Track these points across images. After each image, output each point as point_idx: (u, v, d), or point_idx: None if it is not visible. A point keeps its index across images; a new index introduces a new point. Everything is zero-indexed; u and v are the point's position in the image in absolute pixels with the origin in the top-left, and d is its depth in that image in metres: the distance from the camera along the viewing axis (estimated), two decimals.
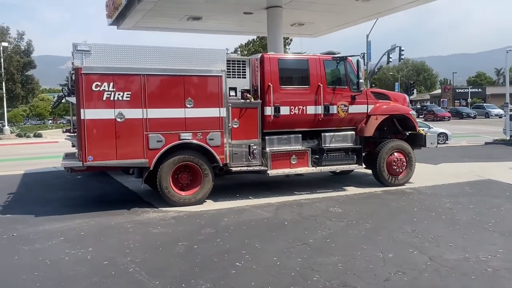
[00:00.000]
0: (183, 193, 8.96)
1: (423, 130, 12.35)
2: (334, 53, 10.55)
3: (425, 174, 11.92)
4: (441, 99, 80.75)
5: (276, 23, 14.01)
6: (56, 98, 9.31)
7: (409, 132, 11.38)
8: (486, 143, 22.22)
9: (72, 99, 8.28)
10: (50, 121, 69.87)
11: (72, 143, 14.26)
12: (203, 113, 8.94)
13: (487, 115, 54.23)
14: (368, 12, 15.09)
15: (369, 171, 11.12)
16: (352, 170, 11.81)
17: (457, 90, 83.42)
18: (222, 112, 9.08)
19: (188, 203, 8.89)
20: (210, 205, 8.92)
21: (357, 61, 10.12)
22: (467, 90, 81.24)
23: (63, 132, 10.37)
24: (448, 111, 56.19)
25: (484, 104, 61.42)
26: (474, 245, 6.15)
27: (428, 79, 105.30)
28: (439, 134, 23.31)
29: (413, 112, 11.28)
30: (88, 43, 8.21)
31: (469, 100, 74.51)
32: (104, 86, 8.20)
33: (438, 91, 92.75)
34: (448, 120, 50.12)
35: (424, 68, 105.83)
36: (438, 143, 22.55)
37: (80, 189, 11.22)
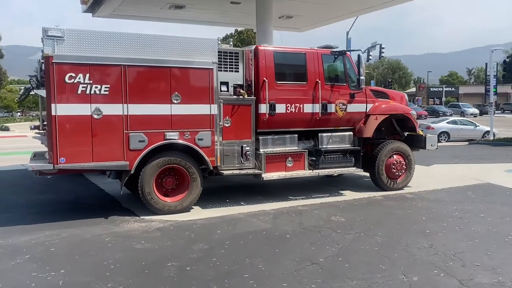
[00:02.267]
0: (168, 199, 8.01)
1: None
2: (332, 47, 9.76)
3: (420, 177, 11.26)
4: (416, 98, 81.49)
5: (266, 14, 13.12)
6: (22, 90, 8.19)
7: (408, 133, 10.73)
8: (470, 143, 22.03)
9: (42, 92, 7.21)
10: (19, 114, 67.02)
11: (41, 142, 13.10)
12: (192, 110, 8.00)
13: (462, 114, 54.71)
14: (360, 6, 14.39)
15: (363, 173, 10.40)
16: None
17: (431, 89, 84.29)
18: (213, 109, 8.16)
19: (173, 211, 7.95)
20: (198, 213, 8.01)
21: (358, 56, 9.34)
22: (441, 89, 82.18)
23: (31, 129, 9.23)
24: (425, 110, 56.53)
25: (460, 103, 62.15)
26: (503, 265, 5.47)
27: (403, 77, 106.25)
28: (440, 134, 23.15)
29: (413, 112, 10.61)
30: (60, 28, 7.13)
31: (444, 99, 75.36)
32: (79, 78, 7.15)
33: (413, 89, 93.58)
34: (425, 118, 50.28)
35: (400, 66, 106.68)
36: (440, 141, 22.41)
37: (51, 191, 10.11)
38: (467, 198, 9.29)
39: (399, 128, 10.60)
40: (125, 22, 16.90)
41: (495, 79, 56.88)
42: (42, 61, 7.24)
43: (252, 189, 10.05)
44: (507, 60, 23.51)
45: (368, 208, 8.47)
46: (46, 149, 9.25)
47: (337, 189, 10.15)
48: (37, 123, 11.30)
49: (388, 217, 7.79)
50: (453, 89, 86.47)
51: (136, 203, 8.50)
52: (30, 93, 8.13)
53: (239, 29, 57.17)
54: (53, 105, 7.01)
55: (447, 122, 24.96)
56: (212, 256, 5.71)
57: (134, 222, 7.41)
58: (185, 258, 5.64)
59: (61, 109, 7.05)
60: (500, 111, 59.18)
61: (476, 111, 56.08)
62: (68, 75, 7.08)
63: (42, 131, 8.85)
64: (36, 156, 8.27)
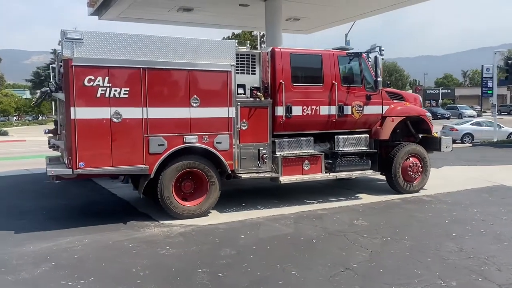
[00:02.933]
0: (187, 203, 7.88)
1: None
2: (347, 49, 9.68)
3: (432, 179, 11.14)
4: None
5: (275, 16, 13.02)
6: (39, 94, 8.05)
7: (422, 135, 10.65)
8: (474, 145, 22.01)
9: (61, 96, 7.08)
10: (15, 118, 66.53)
11: (52, 145, 12.97)
12: (210, 113, 7.89)
13: (460, 116, 54.81)
14: (369, 8, 14.33)
15: (380, 176, 10.30)
16: None
17: (427, 91, 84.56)
18: (231, 112, 8.06)
19: (192, 215, 7.83)
20: (217, 218, 7.88)
21: (375, 57, 9.26)
22: (438, 91, 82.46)
23: (46, 133, 9.08)
24: None
25: (458, 105, 62.35)
26: None
27: (399, 80, 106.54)
28: (464, 135, 23.06)
29: (428, 114, 10.54)
30: (79, 30, 7.01)
31: (440, 101, 75.60)
32: (98, 81, 7.03)
33: (409, 91, 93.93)
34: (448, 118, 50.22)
35: (396, 69, 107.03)
36: (463, 142, 22.33)
37: (62, 196, 9.94)
38: (485, 201, 9.22)
39: (413, 130, 10.53)
40: (130, 24, 16.76)
41: (491, 81, 57.00)
42: (61, 64, 7.11)
43: (266, 193, 9.94)
44: (510, 62, 23.53)
45: (388, 212, 8.37)
46: (57, 153, 9.16)
47: (352, 192, 10.05)
48: (50, 126, 11.20)
49: (411, 221, 7.70)
50: (449, 91, 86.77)
51: (152, 207, 8.39)
52: (47, 96, 7.98)
53: (236, 32, 57.12)
54: (72, 109, 6.88)
55: (471, 124, 24.78)
56: (241, 262, 5.58)
57: (154, 227, 7.27)
58: (214, 264, 5.51)
59: (80, 113, 6.92)
60: (497, 113, 59.49)
61: (474, 113, 56.27)
62: (87, 78, 6.95)
63: (56, 135, 8.75)
64: (52, 161, 8.11)
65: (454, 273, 5.25)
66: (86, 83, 6.95)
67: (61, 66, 7.12)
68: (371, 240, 6.50)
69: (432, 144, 10.45)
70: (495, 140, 22.69)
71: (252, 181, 10.25)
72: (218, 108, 7.95)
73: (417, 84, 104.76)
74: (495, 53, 24.09)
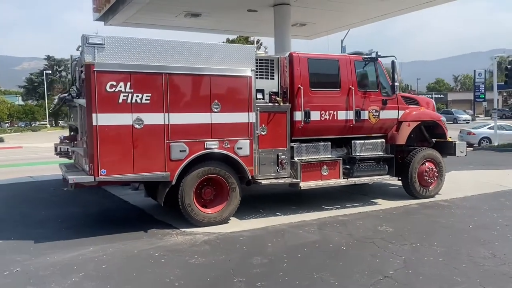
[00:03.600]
0: (208, 210, 7.76)
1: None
2: (362, 54, 9.64)
3: (444, 184, 11.16)
4: None
5: (284, 22, 12.98)
6: (56, 100, 7.89)
7: (436, 139, 10.61)
8: (475, 149, 22.07)
9: (81, 101, 6.93)
10: (8, 124, 65.90)
11: (59, 152, 12.79)
12: (231, 118, 7.79)
13: (455, 121, 55.23)
14: (376, 13, 14.34)
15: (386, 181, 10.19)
16: None
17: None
18: (252, 117, 7.97)
19: (213, 223, 7.70)
20: (238, 225, 7.76)
21: (393, 62, 9.27)
22: (431, 96, 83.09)
23: (61, 140, 8.91)
24: None
25: (453, 110, 62.78)
26: None
27: None
28: (481, 139, 22.87)
29: (443, 119, 10.53)
30: (100, 35, 6.88)
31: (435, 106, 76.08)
32: (120, 87, 6.91)
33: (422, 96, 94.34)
34: (468, 123, 50.26)
35: (390, 74, 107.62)
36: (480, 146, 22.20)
37: (74, 204, 9.76)
38: (503, 205, 9.18)
39: (427, 134, 10.50)
40: (132, 30, 16.62)
41: (483, 85, 57.02)
42: (81, 69, 6.97)
43: (282, 198, 9.85)
44: (509, 66, 23.66)
45: (409, 217, 8.30)
46: (63, 160, 8.99)
47: (368, 197, 9.97)
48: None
49: (435, 226, 7.63)
50: (441, 96, 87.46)
51: (168, 214, 8.28)
52: (65, 102, 7.82)
53: (231, 37, 57.19)
54: (94, 115, 6.74)
55: (488, 128, 24.64)
56: (276, 271, 5.46)
57: (176, 235, 7.13)
58: (249, 273, 5.39)
59: (102, 119, 6.79)
60: (489, 117, 59.93)
61: (469, 117, 56.69)
62: (109, 83, 6.83)
63: (71, 142, 8.60)
64: (69, 168, 7.93)
65: (493, 279, 5.17)
66: (108, 88, 6.82)
67: (81, 71, 6.97)
68: (401, 246, 6.41)
69: (447, 148, 10.42)
70: (496, 144, 22.76)
71: (266, 187, 10.12)
72: (239, 113, 7.85)
73: (409, 89, 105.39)
74: (495, 58, 24.15)
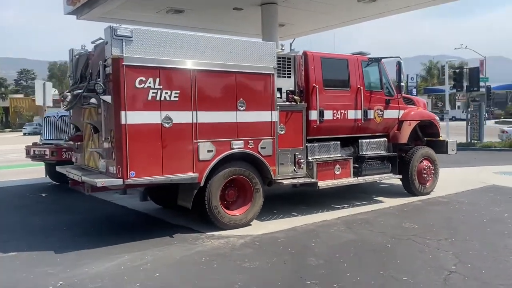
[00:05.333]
0: (236, 212, 7.48)
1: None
2: (365, 54, 9.79)
3: None
4: None
5: (272, 21, 12.89)
6: (70, 97, 7.17)
7: (428, 138, 10.99)
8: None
9: (107, 98, 6.39)
10: None
11: (33, 155, 11.91)
12: (255, 117, 7.58)
13: None
14: (357, 15, 14.65)
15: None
16: None
17: None
18: (274, 116, 7.80)
19: (238, 225, 7.44)
20: (262, 226, 7.54)
21: (399, 62, 9.47)
22: None
23: (67, 139, 8.20)
24: None
25: None
26: None
27: None
28: None
29: (437, 118, 10.94)
30: (128, 27, 6.40)
31: None
32: (149, 83, 6.47)
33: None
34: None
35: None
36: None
37: (66, 211, 9.09)
38: (497, 200, 9.62)
39: (421, 133, 10.86)
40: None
41: (415, 89, 60.33)
42: (105, 63, 6.43)
43: (287, 198, 9.79)
44: (458, 71, 25.19)
45: (423, 214, 8.51)
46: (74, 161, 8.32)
47: (368, 196, 10.08)
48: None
49: (453, 222, 7.84)
50: None
51: (180, 217, 8.07)
52: (80, 99, 7.16)
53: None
54: (122, 113, 6.25)
55: None
56: (341, 271, 5.35)
57: (208, 240, 6.78)
58: (317, 275, 5.22)
59: (131, 117, 6.31)
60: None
61: None
62: (138, 79, 6.37)
63: (76, 143, 7.97)
64: (85, 170, 7.29)
65: None
66: (137, 85, 6.37)
67: (105, 66, 6.44)
68: (438, 241, 6.53)
69: (440, 147, 10.82)
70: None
71: (266, 187, 10.00)
72: (263, 112, 7.65)
73: None
74: (446, 63, 25.62)
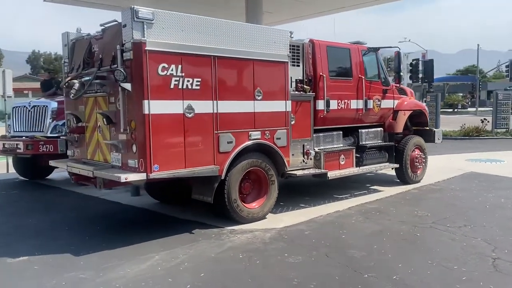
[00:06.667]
0: (255, 205, 7.23)
1: None
2: (363, 43, 9.78)
3: None
4: None
5: (257, 9, 12.61)
6: (77, 85, 6.47)
7: (416, 127, 11.23)
8: None
9: (127, 86, 5.87)
10: None
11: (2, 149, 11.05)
12: (271, 106, 7.34)
13: None
14: (335, 5, 14.68)
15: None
16: None
17: None
18: (288, 105, 7.59)
19: (255, 218, 7.19)
20: (279, 219, 7.33)
21: (398, 52, 9.56)
22: None
23: (64, 135, 7.48)
24: None
25: None
26: None
27: None
28: None
29: (426, 107, 11.20)
30: (149, 9, 5.91)
31: None
32: (172, 70, 6.04)
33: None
34: None
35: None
36: None
37: (54, 209, 8.37)
38: (484, 186, 9.99)
39: (409, 123, 11.07)
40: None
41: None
42: (123, 47, 5.90)
43: (286, 189, 9.59)
44: (414, 62, 26.06)
45: (426, 202, 8.65)
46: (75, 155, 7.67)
47: (362, 185, 10.12)
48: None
49: (460, 209, 8.01)
50: None
51: (186, 212, 7.74)
52: (88, 87, 6.50)
53: None
54: (145, 102, 5.79)
55: None
56: (388, 262, 5.29)
57: (233, 235, 6.48)
58: (369, 268, 5.11)
59: (154, 107, 5.86)
60: None
61: None
62: (161, 65, 5.92)
63: (74, 135, 7.34)
64: (100, 166, 6.61)
65: None
66: (160, 71, 5.91)
67: (122, 51, 5.90)
68: (460, 229, 6.65)
69: (427, 136, 11.10)
70: None
71: None
72: (278, 102, 7.42)
73: None
74: (406, 56, 26.44)
